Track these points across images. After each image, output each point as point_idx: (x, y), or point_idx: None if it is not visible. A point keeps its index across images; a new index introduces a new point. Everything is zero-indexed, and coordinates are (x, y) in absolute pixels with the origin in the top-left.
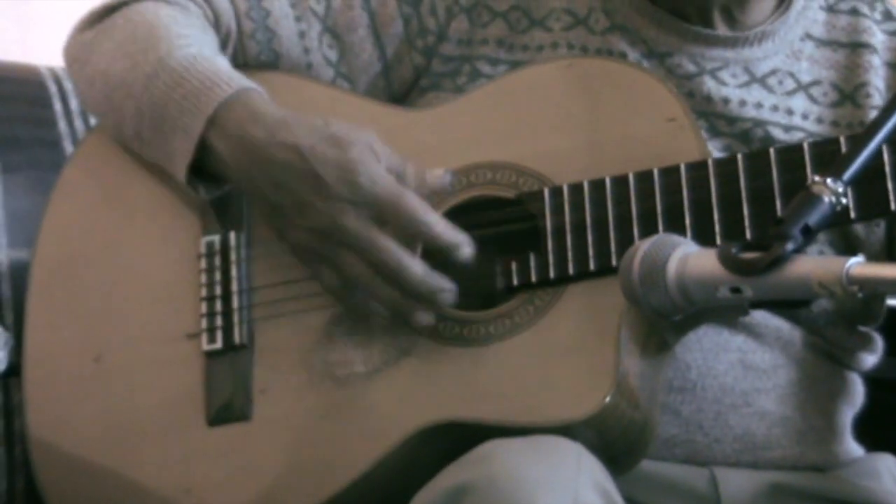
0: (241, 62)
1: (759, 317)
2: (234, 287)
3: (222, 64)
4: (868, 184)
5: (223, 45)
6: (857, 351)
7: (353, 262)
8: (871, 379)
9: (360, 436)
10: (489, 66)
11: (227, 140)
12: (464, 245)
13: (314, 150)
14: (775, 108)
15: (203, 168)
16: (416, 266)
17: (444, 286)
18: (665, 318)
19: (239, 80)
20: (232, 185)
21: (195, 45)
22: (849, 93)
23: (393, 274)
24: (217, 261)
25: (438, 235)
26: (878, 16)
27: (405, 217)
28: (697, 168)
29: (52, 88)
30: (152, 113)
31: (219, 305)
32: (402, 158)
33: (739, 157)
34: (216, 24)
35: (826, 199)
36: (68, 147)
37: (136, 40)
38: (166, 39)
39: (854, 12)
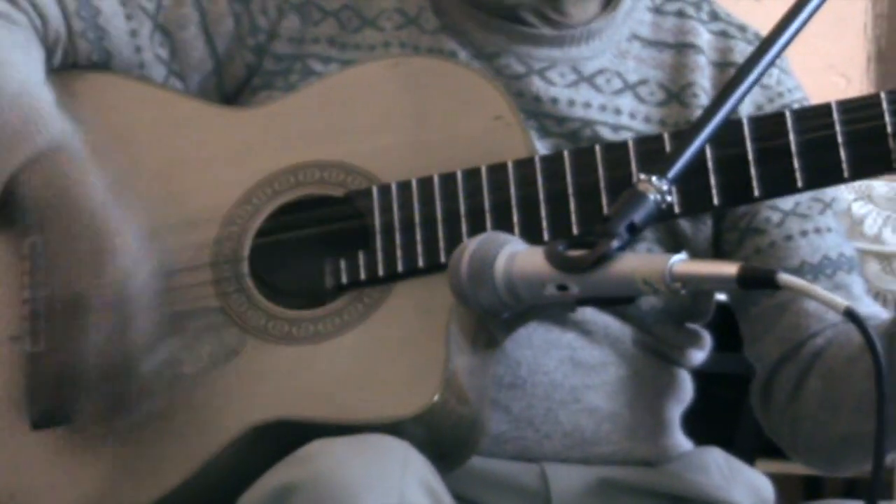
0: (72, 62)
1: (589, 314)
2: None
3: (46, 99)
4: (692, 180)
5: (51, 51)
6: (685, 348)
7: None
8: (700, 373)
9: (189, 436)
10: (321, 64)
11: (40, 182)
12: None
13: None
14: (603, 108)
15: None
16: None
17: None
18: (494, 316)
19: (61, 123)
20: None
21: (21, 73)
22: (675, 92)
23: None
24: (42, 262)
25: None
26: (704, 16)
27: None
28: (524, 165)
29: None
30: None
31: (43, 307)
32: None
33: (566, 153)
34: (44, 29)
35: (651, 196)
36: None
37: None
38: None
39: (680, 14)
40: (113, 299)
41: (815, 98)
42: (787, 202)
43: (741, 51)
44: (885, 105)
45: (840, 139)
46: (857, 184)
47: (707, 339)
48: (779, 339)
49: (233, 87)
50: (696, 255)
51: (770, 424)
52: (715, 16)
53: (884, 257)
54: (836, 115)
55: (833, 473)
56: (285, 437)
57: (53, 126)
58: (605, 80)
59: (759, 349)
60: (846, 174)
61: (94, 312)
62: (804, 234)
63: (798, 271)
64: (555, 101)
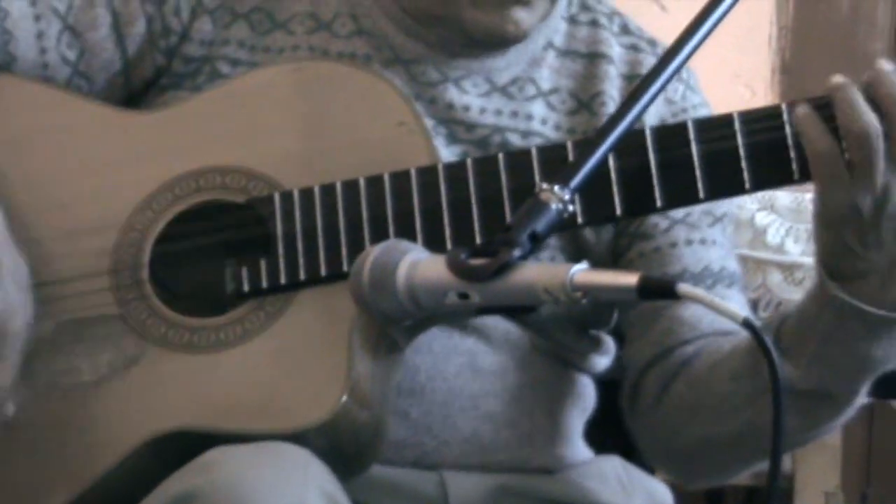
0: None
1: (490, 320)
2: None
3: None
4: (594, 189)
5: None
6: (587, 353)
7: None
8: (602, 381)
9: (88, 447)
10: (229, 66)
11: None
12: None
13: None
14: (514, 114)
15: None
16: None
17: None
18: (396, 323)
19: None
20: None
21: None
22: (585, 101)
23: None
24: None
25: None
26: (616, 28)
27: None
28: (427, 172)
29: None
30: None
31: None
32: None
33: (469, 161)
34: None
35: (553, 206)
36: None
37: None
38: None
39: (593, 24)
40: None
41: (721, 109)
42: (678, 211)
43: (649, 65)
44: (785, 116)
45: (742, 151)
46: (761, 194)
47: (610, 344)
48: (651, 343)
49: (139, 87)
50: (597, 262)
51: (634, 427)
52: (626, 30)
53: (786, 267)
54: (737, 126)
55: (690, 483)
56: (186, 447)
57: None
58: (517, 89)
59: (633, 351)
60: (748, 185)
61: None
62: (689, 242)
63: (678, 278)
64: (466, 108)
